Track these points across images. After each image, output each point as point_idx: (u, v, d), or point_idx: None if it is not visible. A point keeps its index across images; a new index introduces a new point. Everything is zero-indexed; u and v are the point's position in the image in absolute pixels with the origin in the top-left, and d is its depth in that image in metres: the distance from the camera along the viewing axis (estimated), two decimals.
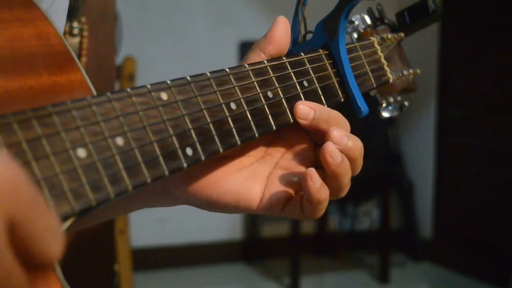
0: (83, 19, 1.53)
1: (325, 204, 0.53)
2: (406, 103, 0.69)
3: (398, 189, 3.59)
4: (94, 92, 0.45)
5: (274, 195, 0.55)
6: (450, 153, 3.40)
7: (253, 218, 3.43)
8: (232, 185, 0.56)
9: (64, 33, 1.18)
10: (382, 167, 3.42)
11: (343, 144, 0.53)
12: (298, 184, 0.55)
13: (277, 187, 0.56)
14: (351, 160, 0.54)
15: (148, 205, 0.61)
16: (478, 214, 3.22)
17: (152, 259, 3.27)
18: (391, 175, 3.48)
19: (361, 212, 3.61)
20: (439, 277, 3.32)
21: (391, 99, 0.68)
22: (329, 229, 3.60)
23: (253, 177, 0.56)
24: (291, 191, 0.56)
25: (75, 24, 1.51)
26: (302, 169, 0.56)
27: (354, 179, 0.55)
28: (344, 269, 3.39)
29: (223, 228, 3.43)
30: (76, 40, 1.53)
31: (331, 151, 0.52)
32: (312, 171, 0.52)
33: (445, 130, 3.42)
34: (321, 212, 0.54)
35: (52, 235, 0.34)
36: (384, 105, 0.68)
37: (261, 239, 3.47)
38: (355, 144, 0.54)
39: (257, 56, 0.58)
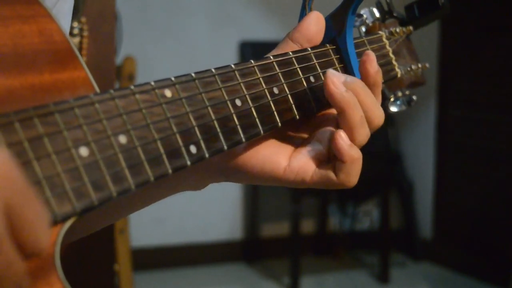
0: (83, 19, 1.53)
1: (359, 166, 0.53)
2: (414, 97, 0.68)
3: (398, 189, 3.58)
4: (97, 90, 0.45)
5: (302, 159, 0.55)
6: (450, 153, 3.39)
7: (253, 218, 3.42)
8: (259, 151, 0.55)
9: None
10: (382, 167, 3.41)
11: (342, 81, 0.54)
12: (326, 151, 0.55)
13: (306, 154, 0.55)
14: (359, 101, 0.53)
15: (177, 186, 0.60)
16: (478, 214, 3.22)
17: (152, 259, 3.26)
18: (391, 175, 3.48)
19: (361, 212, 3.61)
20: (439, 277, 3.32)
21: (399, 94, 0.68)
22: (329, 229, 3.60)
23: (283, 145, 0.56)
24: (320, 158, 0.55)
25: (75, 24, 1.51)
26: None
27: None
28: (344, 269, 3.39)
29: (223, 228, 3.43)
30: (76, 40, 1.53)
31: (333, 77, 0.53)
32: (341, 131, 0.53)
33: (445, 130, 3.42)
34: (355, 176, 0.53)
35: (41, 226, 0.34)
36: (392, 99, 0.68)
37: (261, 239, 3.46)
38: (357, 85, 0.54)
39: (285, 45, 0.58)
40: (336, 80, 0.53)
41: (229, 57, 3.32)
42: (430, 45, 3.42)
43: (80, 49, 1.54)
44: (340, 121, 0.54)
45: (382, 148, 3.41)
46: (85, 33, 1.54)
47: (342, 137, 0.53)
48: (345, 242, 3.55)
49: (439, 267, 3.38)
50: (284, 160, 0.55)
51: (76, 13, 1.52)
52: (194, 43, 3.28)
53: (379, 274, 3.22)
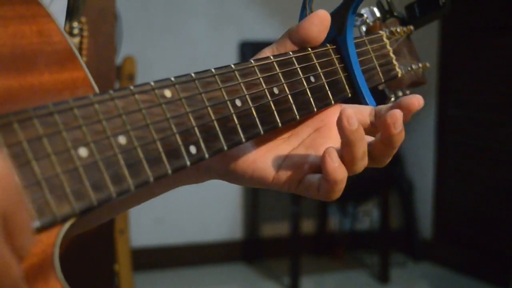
0: (83, 19, 1.52)
1: (341, 186, 0.52)
2: None
3: (398, 189, 3.58)
4: (97, 90, 0.45)
5: (289, 170, 0.55)
6: (450, 153, 3.39)
7: (253, 218, 3.42)
8: (251, 156, 0.56)
9: None
10: (382, 167, 3.40)
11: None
12: (315, 162, 0.55)
13: (294, 164, 0.55)
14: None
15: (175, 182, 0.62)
16: (478, 214, 3.22)
17: (152, 259, 3.26)
18: (391, 175, 3.48)
19: (361, 212, 3.61)
20: (439, 277, 3.32)
21: (400, 93, 0.68)
22: (329, 229, 3.60)
23: (273, 152, 0.56)
24: (307, 168, 0.54)
25: (75, 24, 1.51)
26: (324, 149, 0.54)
27: (354, 179, 0.54)
28: (344, 269, 3.39)
29: (223, 228, 3.42)
30: (76, 40, 1.52)
31: (349, 116, 0.50)
32: (331, 149, 0.51)
33: (445, 130, 3.42)
34: (337, 194, 0.52)
35: (28, 233, 0.34)
36: (392, 99, 0.68)
37: (261, 239, 3.46)
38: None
39: (283, 41, 0.58)
40: (350, 115, 0.50)
41: (229, 57, 3.32)
42: (430, 45, 3.42)
43: (80, 49, 1.53)
44: (342, 149, 0.52)
45: None
46: (85, 33, 1.53)
47: (331, 156, 0.51)
48: (345, 242, 3.55)
49: (439, 267, 3.38)
50: (273, 169, 0.55)
51: (76, 13, 1.52)
52: (194, 43, 3.28)
53: (379, 274, 3.22)
